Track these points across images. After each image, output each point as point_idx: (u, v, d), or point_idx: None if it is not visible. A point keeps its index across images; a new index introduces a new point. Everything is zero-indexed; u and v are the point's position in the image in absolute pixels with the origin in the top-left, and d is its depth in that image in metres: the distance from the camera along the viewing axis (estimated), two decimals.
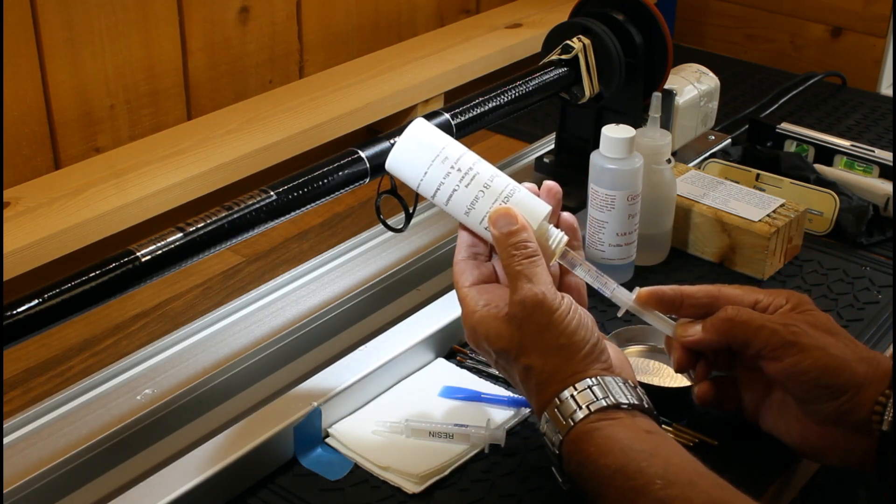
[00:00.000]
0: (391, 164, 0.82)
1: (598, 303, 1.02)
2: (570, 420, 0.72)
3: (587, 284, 0.83)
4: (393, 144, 0.90)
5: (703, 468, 0.69)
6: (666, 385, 0.91)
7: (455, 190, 0.80)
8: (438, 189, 0.80)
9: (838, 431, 0.77)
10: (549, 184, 0.82)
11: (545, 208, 0.80)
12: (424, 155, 0.80)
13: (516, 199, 0.79)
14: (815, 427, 0.78)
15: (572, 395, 0.72)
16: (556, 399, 0.73)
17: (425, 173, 0.80)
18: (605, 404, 0.72)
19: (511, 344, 0.75)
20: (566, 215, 0.83)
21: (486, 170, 0.80)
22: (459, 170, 0.80)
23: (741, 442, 0.86)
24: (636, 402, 0.73)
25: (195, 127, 1.22)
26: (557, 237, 0.80)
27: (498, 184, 0.80)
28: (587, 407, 0.71)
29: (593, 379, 0.73)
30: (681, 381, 0.92)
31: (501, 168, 1.25)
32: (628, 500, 0.68)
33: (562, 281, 0.82)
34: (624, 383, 0.74)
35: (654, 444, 0.70)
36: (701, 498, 0.66)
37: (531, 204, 0.80)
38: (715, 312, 0.81)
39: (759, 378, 0.82)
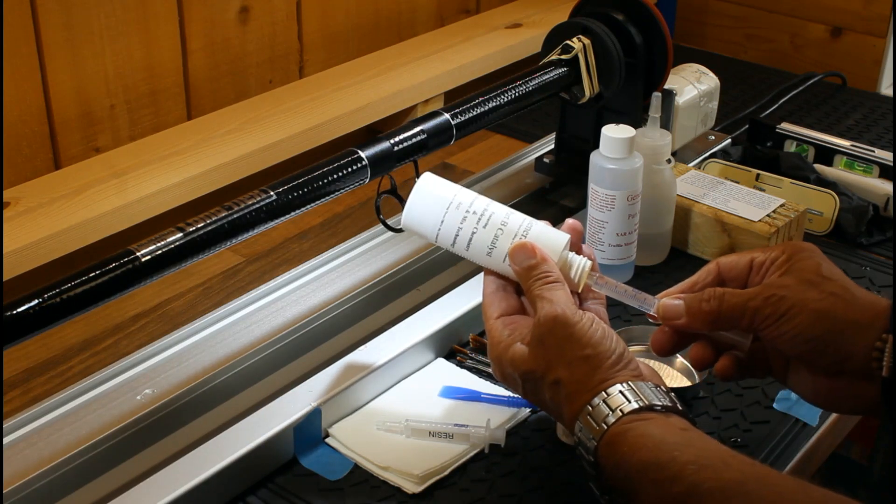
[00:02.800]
0: (407, 220, 0.82)
1: None
2: (602, 424, 0.71)
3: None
4: (393, 145, 0.90)
5: (736, 452, 0.68)
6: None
7: (474, 233, 0.81)
8: (457, 235, 0.81)
9: (843, 380, 0.76)
10: (570, 221, 0.83)
11: (564, 237, 0.80)
12: (438, 205, 0.81)
13: (534, 233, 0.80)
14: (824, 380, 0.77)
15: (604, 401, 0.71)
16: (588, 406, 0.72)
17: (442, 222, 0.81)
18: (636, 406, 0.71)
19: (536, 363, 0.75)
20: (585, 248, 0.83)
21: (499, 209, 0.82)
22: (475, 213, 0.81)
23: (741, 442, 0.86)
24: (669, 405, 0.72)
25: (195, 127, 1.22)
26: (580, 264, 0.80)
27: (514, 221, 0.81)
28: (619, 409, 0.71)
29: (623, 384, 0.72)
30: (681, 381, 0.92)
31: (501, 168, 1.26)
32: (664, 489, 0.67)
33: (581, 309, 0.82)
34: (655, 387, 0.73)
35: (687, 437, 0.70)
36: (733, 475, 0.66)
37: (549, 235, 0.80)
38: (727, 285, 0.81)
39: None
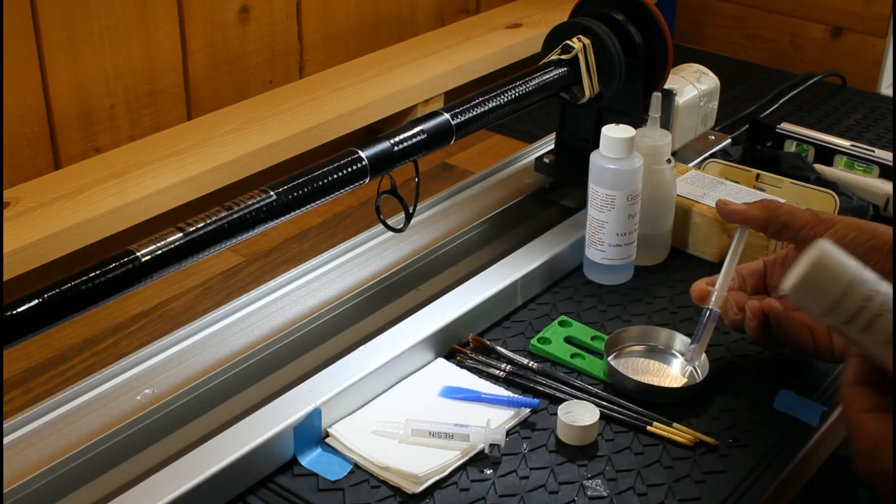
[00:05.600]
0: (803, 286, 0.71)
1: (597, 302, 1.02)
2: None
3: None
4: (393, 145, 0.90)
5: None
6: (666, 385, 0.91)
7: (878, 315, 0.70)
8: (863, 308, 0.70)
9: None
10: None
11: None
12: (845, 271, 0.71)
13: None
14: None
15: None
16: None
17: (845, 294, 0.70)
18: None
19: None
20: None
21: None
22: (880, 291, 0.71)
23: (741, 442, 0.86)
24: None
25: (195, 127, 1.22)
26: None
27: None
28: None
29: None
30: (681, 381, 0.92)
31: (501, 168, 1.26)
32: None
33: None
34: None
35: None
36: None
37: None
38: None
39: None
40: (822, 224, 0.87)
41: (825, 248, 0.72)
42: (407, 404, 0.88)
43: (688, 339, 0.93)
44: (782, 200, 1.09)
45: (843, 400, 0.74)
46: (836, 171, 1.23)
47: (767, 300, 0.89)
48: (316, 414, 0.84)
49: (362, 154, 0.88)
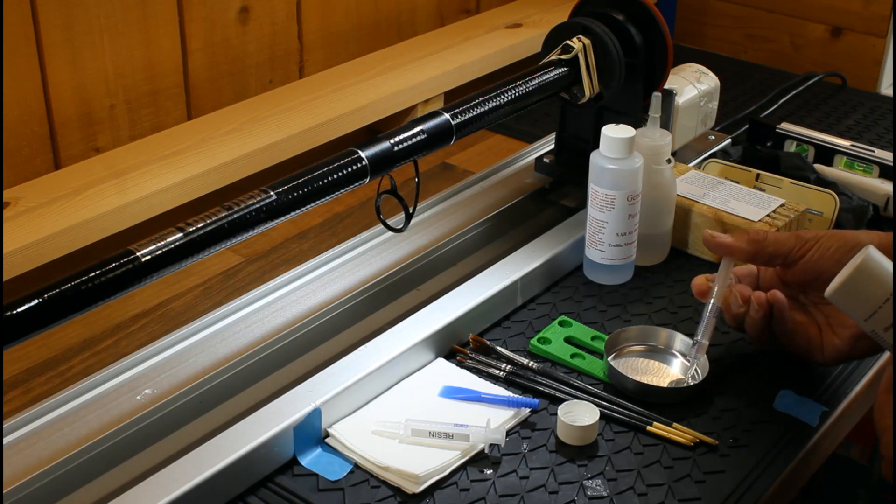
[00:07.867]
0: (846, 290, 0.74)
1: (597, 303, 1.02)
2: None
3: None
4: (393, 145, 0.90)
5: None
6: (666, 385, 0.91)
7: None
8: None
9: None
10: None
11: None
12: (889, 278, 0.73)
13: None
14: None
15: None
16: None
17: (887, 300, 0.73)
18: None
19: None
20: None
21: None
22: None
23: (741, 442, 0.86)
24: None
25: (195, 127, 1.22)
26: None
27: None
28: None
29: None
30: (681, 381, 0.92)
31: (501, 168, 1.26)
32: None
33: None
34: None
35: None
36: None
37: None
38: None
39: (807, 311, 0.92)
40: (806, 244, 0.89)
41: (870, 254, 0.73)
42: (407, 404, 0.88)
43: (687, 339, 0.93)
44: (780, 200, 1.10)
45: (876, 406, 0.75)
46: (836, 171, 1.23)
47: (773, 290, 0.89)
48: (316, 414, 0.84)
49: (362, 154, 0.88)
